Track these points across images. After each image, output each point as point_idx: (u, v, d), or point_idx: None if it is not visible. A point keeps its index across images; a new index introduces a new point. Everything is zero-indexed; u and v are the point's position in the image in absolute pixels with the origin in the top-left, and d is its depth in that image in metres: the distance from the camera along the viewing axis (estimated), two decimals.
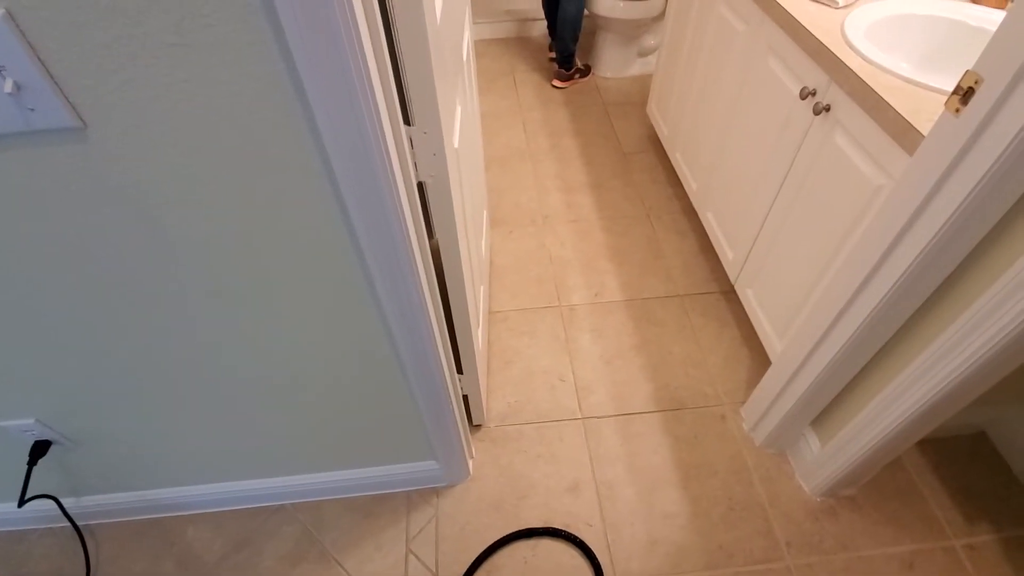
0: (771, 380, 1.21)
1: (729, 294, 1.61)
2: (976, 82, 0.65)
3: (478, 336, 1.26)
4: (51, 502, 1.05)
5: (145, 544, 1.18)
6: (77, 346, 0.79)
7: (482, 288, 1.39)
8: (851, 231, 1.02)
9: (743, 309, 1.56)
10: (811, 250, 1.14)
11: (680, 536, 1.16)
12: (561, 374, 1.44)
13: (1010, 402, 1.23)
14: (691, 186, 1.73)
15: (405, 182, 0.68)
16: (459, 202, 0.93)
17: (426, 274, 0.80)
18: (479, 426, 1.34)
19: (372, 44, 0.53)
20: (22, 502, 0.95)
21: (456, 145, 0.90)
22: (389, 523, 1.19)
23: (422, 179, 0.80)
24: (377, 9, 0.53)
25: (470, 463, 1.26)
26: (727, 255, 1.52)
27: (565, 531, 1.16)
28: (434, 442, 1.11)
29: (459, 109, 0.97)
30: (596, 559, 1.13)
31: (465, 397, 1.26)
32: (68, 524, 1.08)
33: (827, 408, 1.14)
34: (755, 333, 1.51)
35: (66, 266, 0.66)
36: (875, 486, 1.22)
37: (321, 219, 0.65)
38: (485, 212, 1.61)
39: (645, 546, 1.15)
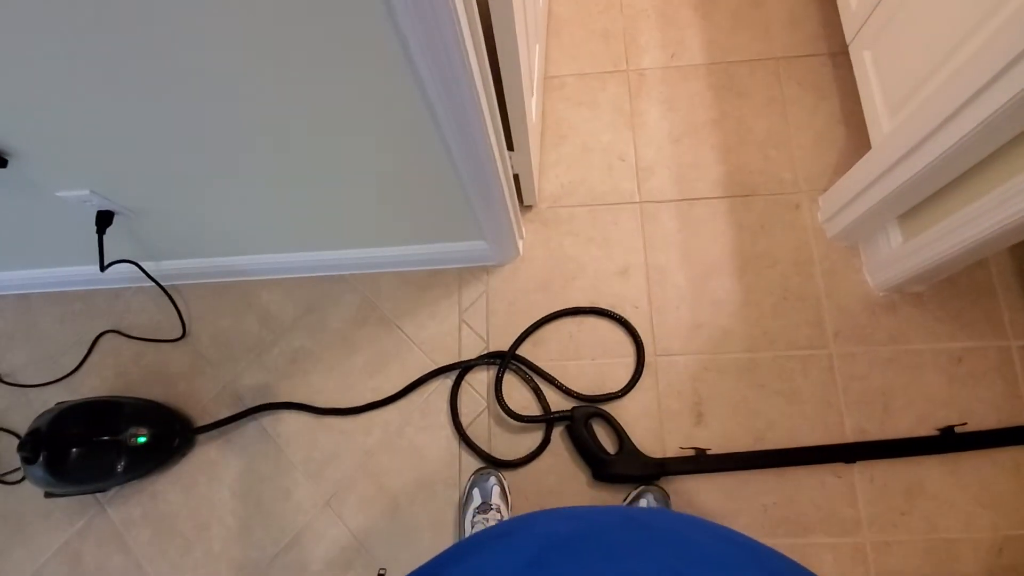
0: (866, 167, 1.05)
1: (839, 57, 1.31)
2: None
3: (532, 107, 1.10)
4: (133, 266, 1.13)
5: (227, 303, 1.30)
6: (127, 114, 0.72)
7: (537, 47, 1.17)
8: None
9: (851, 78, 1.28)
10: (961, 6, 0.85)
11: (726, 322, 1.17)
12: (622, 152, 1.30)
13: None
14: None
15: None
16: None
17: (471, 33, 0.64)
18: (530, 207, 1.28)
19: None
20: (103, 267, 1.02)
21: None
22: (441, 296, 1.25)
23: None
24: None
25: (520, 244, 1.24)
26: (850, 3, 1.19)
27: (610, 311, 1.19)
28: (483, 223, 1.07)
29: None
30: (638, 336, 1.17)
31: (516, 176, 1.18)
32: (155, 284, 1.18)
33: (921, 203, 1.01)
34: (859, 108, 1.27)
35: (110, 28, 0.55)
36: (948, 283, 1.15)
37: None
38: None
39: (689, 328, 1.18)
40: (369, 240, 1.17)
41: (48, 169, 0.86)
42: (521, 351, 1.20)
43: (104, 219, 1.00)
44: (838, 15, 1.22)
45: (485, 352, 1.20)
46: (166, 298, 1.24)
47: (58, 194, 0.92)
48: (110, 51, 0.61)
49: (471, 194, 0.95)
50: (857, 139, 1.26)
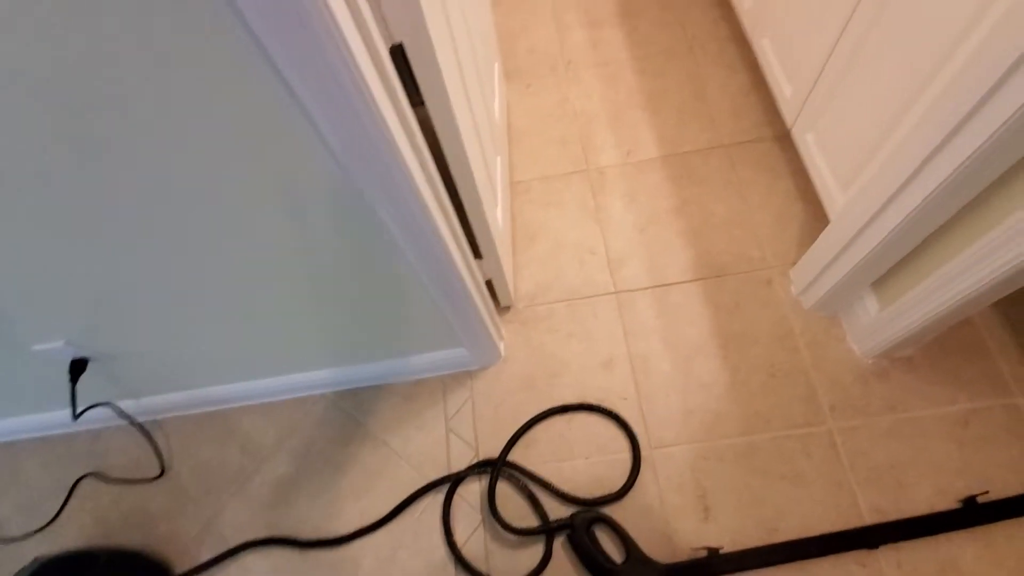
0: (829, 239, 1.08)
1: (784, 140, 1.39)
2: None
3: (497, 215, 1.15)
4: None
5: (209, 434, 1.27)
6: (93, 265, 0.75)
7: (499, 159, 1.24)
8: (955, 47, 0.79)
9: (799, 157, 1.36)
10: (894, 79, 0.92)
11: (716, 405, 1.14)
12: (591, 247, 1.33)
13: None
14: (743, 3, 1.41)
15: (368, 46, 0.52)
16: (451, 60, 0.76)
17: (418, 162, 0.68)
18: (507, 308, 1.29)
19: None
20: (75, 415, 1.00)
21: None
22: (427, 405, 1.22)
23: (399, 40, 0.63)
24: None
25: (500, 345, 1.24)
26: (784, 92, 1.28)
27: (599, 405, 1.16)
28: (459, 331, 1.07)
29: None
30: (631, 429, 1.14)
31: (489, 281, 1.20)
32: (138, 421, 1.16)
33: (892, 269, 1.02)
34: (812, 185, 1.32)
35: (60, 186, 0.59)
36: (936, 344, 1.13)
37: (261, 103, 0.52)
38: (496, 65, 1.38)
39: (681, 415, 1.14)
40: (349, 358, 1.17)
41: (24, 325, 0.88)
42: (512, 456, 1.15)
43: (78, 366, 1.00)
44: (776, 103, 1.31)
45: (475, 461, 1.16)
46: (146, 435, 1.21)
47: (35, 348, 0.93)
48: (82, 211, 0.64)
49: (444, 307, 0.96)
50: (815, 212, 1.30)
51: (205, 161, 0.59)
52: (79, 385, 1.00)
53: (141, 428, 1.19)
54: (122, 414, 1.13)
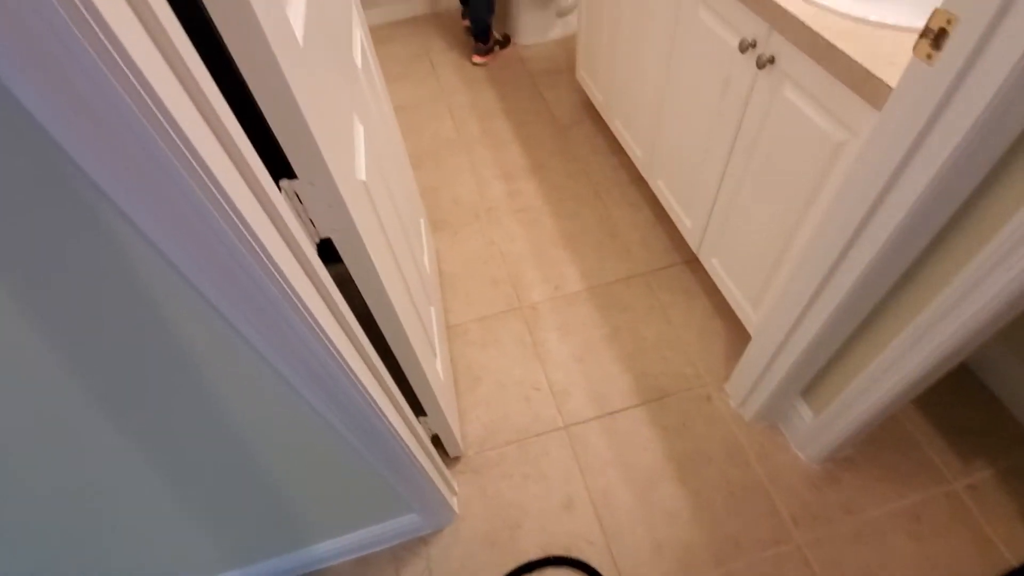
0: (753, 355, 1.15)
1: (693, 263, 1.53)
2: (949, 22, 0.56)
3: (437, 368, 1.14)
4: None
5: None
6: None
7: (432, 309, 1.26)
8: (816, 192, 0.93)
9: (710, 277, 1.49)
10: (774, 213, 1.06)
11: (685, 534, 1.10)
12: (535, 382, 1.34)
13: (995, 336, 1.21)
14: (636, 154, 1.62)
15: (295, 252, 0.54)
16: (381, 242, 0.80)
17: (351, 343, 0.68)
18: (457, 458, 1.24)
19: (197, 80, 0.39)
20: None
21: (363, 176, 0.76)
22: None
23: (326, 235, 0.66)
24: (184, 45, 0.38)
25: (454, 501, 1.16)
26: (685, 224, 1.44)
27: (567, 556, 1.09)
28: (407, 497, 1.00)
29: (360, 129, 0.83)
30: None
31: (435, 436, 1.16)
32: None
33: (816, 377, 1.09)
34: (725, 301, 1.44)
35: None
36: (870, 440, 1.19)
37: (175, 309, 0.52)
38: (422, 220, 1.47)
39: (651, 551, 1.09)
40: (280, 546, 1.04)
41: None
42: None
43: None
44: (680, 232, 1.46)
45: None
46: None
47: None
48: None
49: (389, 477, 0.90)
50: (734, 326, 1.40)
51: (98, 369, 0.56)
52: None
53: None
54: None
